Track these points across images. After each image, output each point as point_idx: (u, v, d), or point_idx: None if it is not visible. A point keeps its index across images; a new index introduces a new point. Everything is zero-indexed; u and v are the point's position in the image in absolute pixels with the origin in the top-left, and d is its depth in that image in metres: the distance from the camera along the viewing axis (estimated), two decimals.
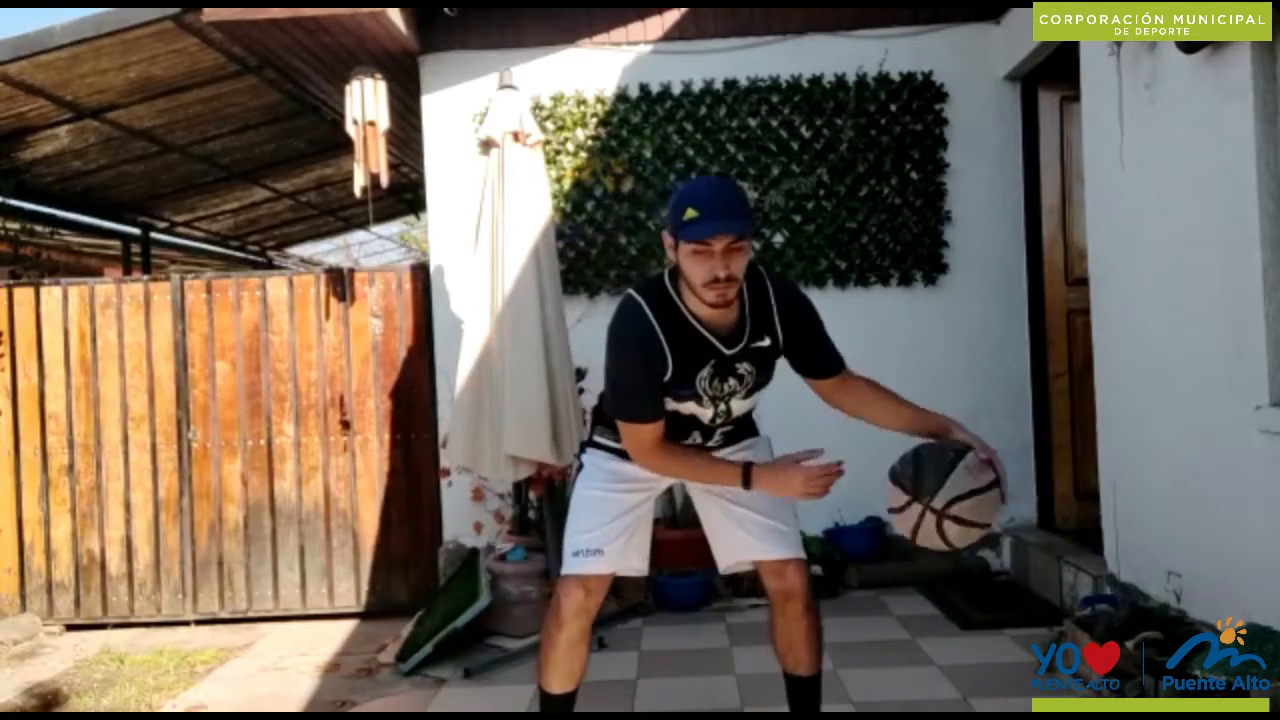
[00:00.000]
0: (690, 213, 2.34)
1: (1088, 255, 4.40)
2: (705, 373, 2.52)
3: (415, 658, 4.23)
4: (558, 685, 2.76)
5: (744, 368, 2.56)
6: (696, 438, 2.68)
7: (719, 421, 2.65)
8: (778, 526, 2.70)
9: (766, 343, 2.56)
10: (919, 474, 2.32)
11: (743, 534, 2.72)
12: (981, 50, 5.36)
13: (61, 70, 5.29)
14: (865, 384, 2.71)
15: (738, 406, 2.65)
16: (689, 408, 2.59)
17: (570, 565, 2.70)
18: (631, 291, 2.55)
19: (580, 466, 2.81)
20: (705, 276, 2.36)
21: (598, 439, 2.77)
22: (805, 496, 2.48)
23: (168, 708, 4.02)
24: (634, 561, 2.77)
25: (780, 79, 5.37)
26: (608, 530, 2.69)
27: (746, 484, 2.52)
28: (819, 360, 2.66)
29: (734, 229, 2.35)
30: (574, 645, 2.73)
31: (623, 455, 2.67)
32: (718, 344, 2.51)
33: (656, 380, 2.49)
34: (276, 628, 5.24)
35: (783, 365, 2.67)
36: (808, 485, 2.45)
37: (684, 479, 2.74)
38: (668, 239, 2.46)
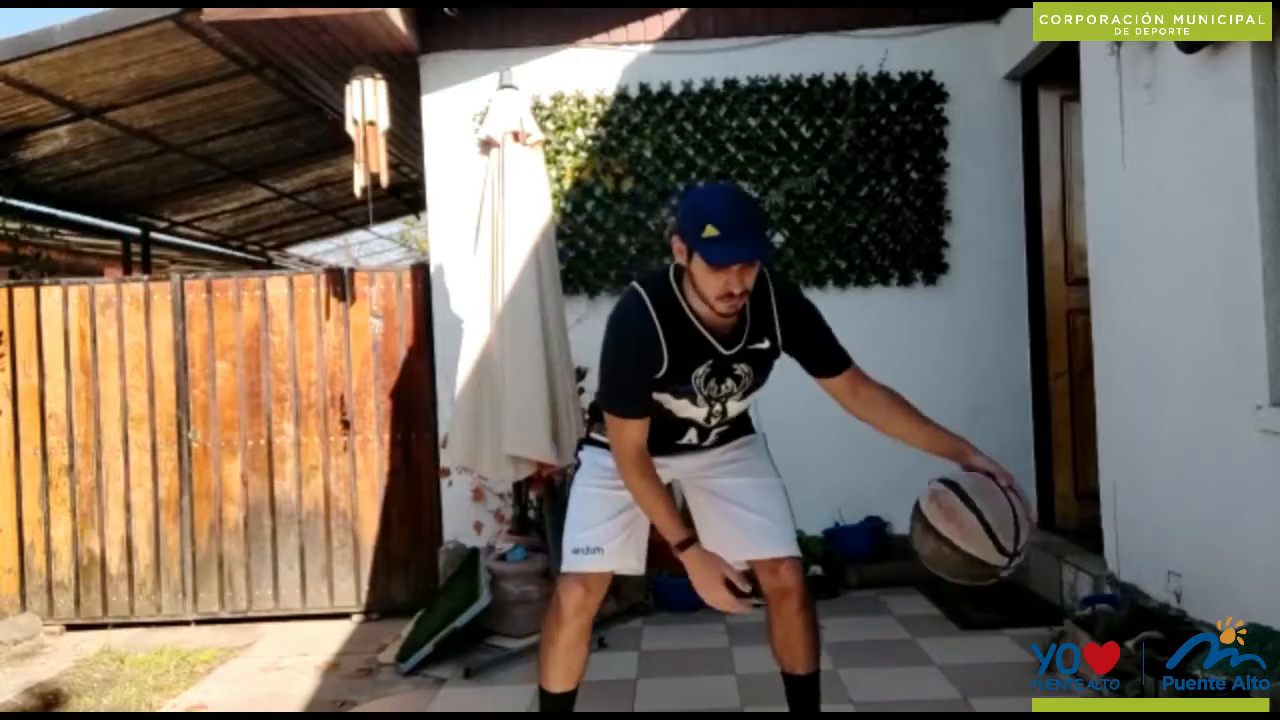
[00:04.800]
0: (711, 230, 2.32)
1: (1088, 255, 4.40)
2: (701, 371, 2.52)
3: (415, 658, 4.23)
4: (558, 684, 2.76)
5: (741, 369, 2.56)
6: (693, 437, 2.69)
7: (714, 422, 2.66)
8: (771, 525, 2.70)
9: (765, 345, 2.56)
10: (1010, 532, 2.38)
11: (737, 532, 2.71)
12: (981, 50, 5.35)
13: (61, 70, 5.29)
14: (881, 393, 2.67)
15: (733, 408, 2.65)
16: (684, 408, 2.59)
17: (570, 563, 2.70)
18: (636, 284, 2.55)
19: (578, 464, 2.80)
20: (719, 290, 2.37)
21: (595, 436, 2.76)
22: (707, 599, 2.46)
23: (168, 707, 4.02)
24: (631, 561, 2.76)
25: (780, 79, 5.37)
26: (607, 527, 2.68)
27: (680, 549, 2.48)
28: (822, 358, 2.63)
29: (755, 254, 2.35)
30: (574, 644, 2.72)
31: None
32: (716, 344, 2.50)
33: (649, 375, 2.49)
34: (276, 627, 5.24)
35: (789, 366, 2.67)
36: (713, 595, 2.43)
37: (636, 497, 2.59)
38: (679, 244, 2.43)
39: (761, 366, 2.59)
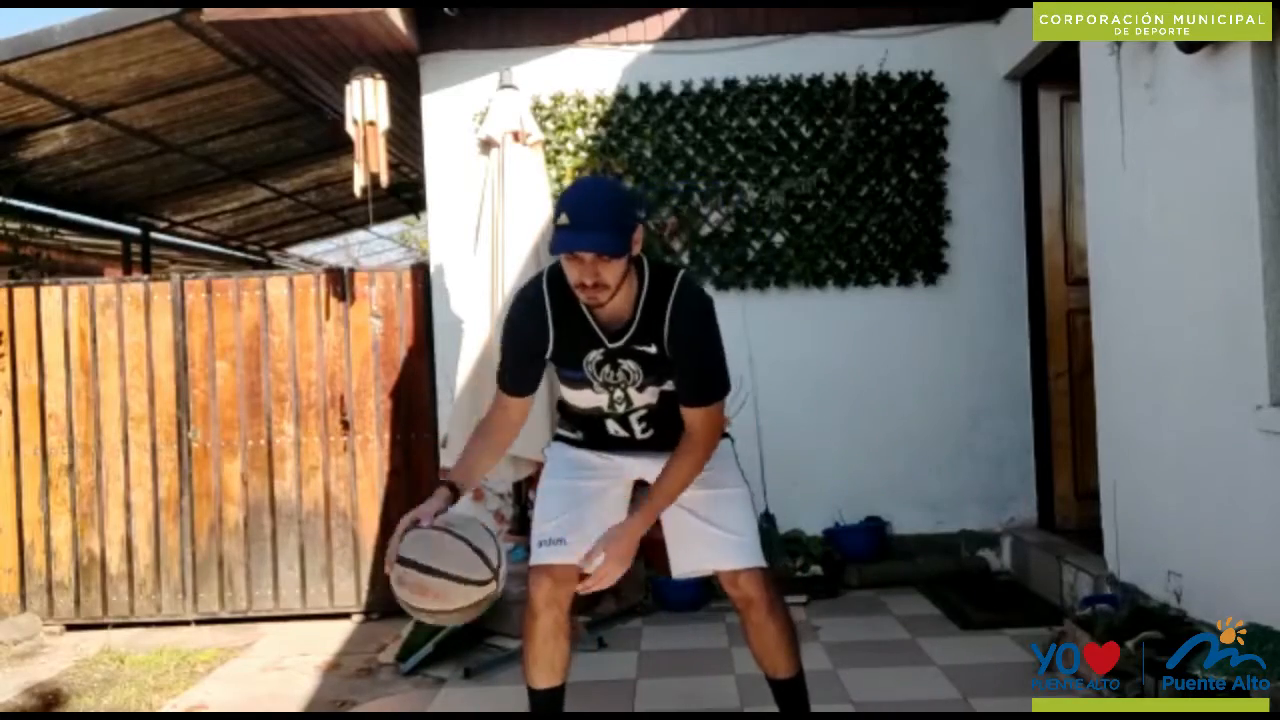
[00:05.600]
0: (562, 218, 2.36)
1: (1088, 255, 4.40)
2: (594, 357, 2.56)
3: (415, 657, 4.23)
4: (541, 680, 2.75)
5: (628, 365, 2.56)
6: (616, 428, 2.71)
7: (621, 409, 2.65)
8: (728, 536, 2.69)
9: (652, 349, 2.53)
10: (483, 556, 2.34)
11: (694, 543, 2.72)
12: (981, 50, 5.36)
13: (61, 70, 5.29)
14: (683, 443, 2.57)
15: (637, 397, 2.62)
16: (586, 396, 2.64)
17: (536, 555, 2.71)
18: (544, 269, 2.61)
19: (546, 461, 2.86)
20: (574, 279, 2.41)
21: (560, 431, 2.86)
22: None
23: (168, 707, 4.02)
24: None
25: (780, 79, 5.37)
26: (569, 518, 2.68)
27: (448, 491, 2.48)
28: (682, 382, 2.54)
29: (592, 247, 2.33)
30: (550, 637, 2.72)
31: (579, 444, 2.76)
32: (602, 335, 2.53)
33: (533, 350, 2.57)
34: (276, 627, 5.24)
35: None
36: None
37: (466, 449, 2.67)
38: None
39: (651, 368, 2.56)
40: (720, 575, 2.72)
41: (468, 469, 2.61)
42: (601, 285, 2.38)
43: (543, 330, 2.54)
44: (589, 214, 2.36)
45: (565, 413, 2.84)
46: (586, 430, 2.76)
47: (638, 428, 2.70)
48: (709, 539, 2.69)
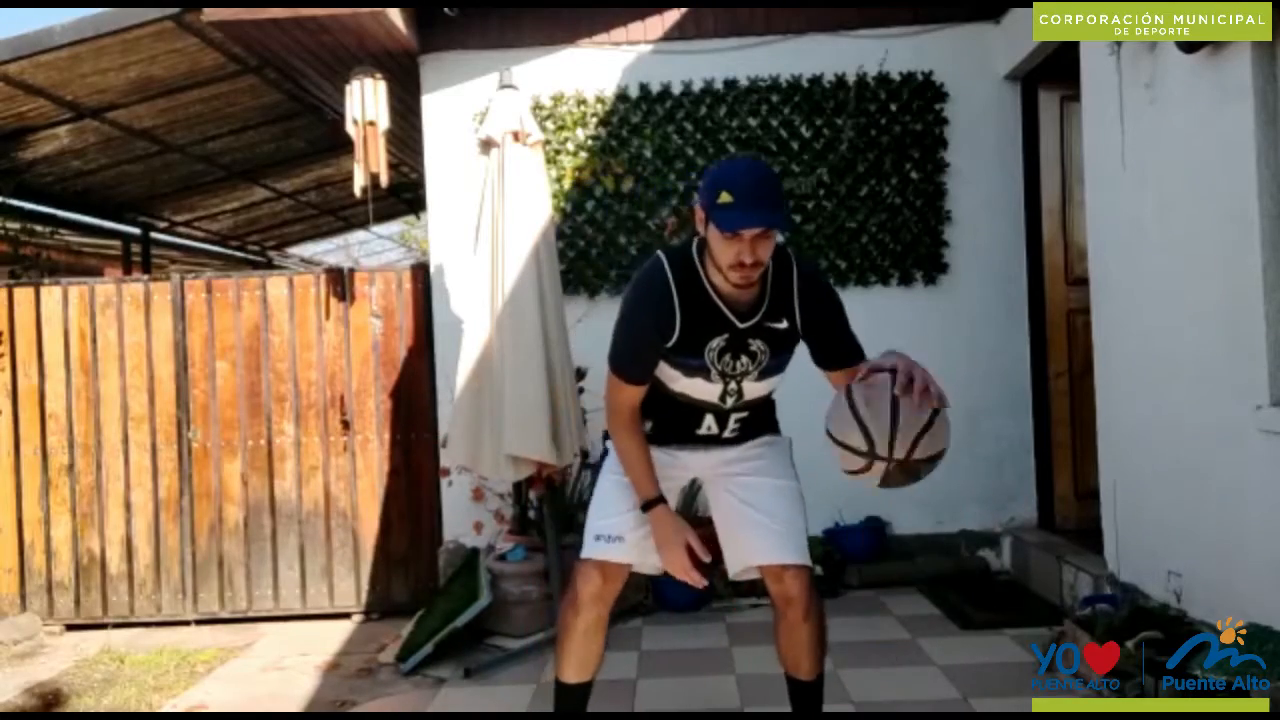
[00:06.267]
0: (725, 197, 2.34)
1: (1088, 255, 4.40)
2: (716, 344, 2.51)
3: (415, 657, 4.23)
4: (572, 674, 2.74)
5: (757, 345, 2.53)
6: (711, 425, 2.66)
7: (730, 403, 2.62)
8: (777, 528, 2.64)
9: (783, 325, 2.54)
10: (867, 433, 2.19)
11: (743, 533, 2.69)
12: (981, 50, 5.36)
13: (61, 70, 5.29)
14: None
15: (750, 389, 2.61)
16: (698, 386, 2.57)
17: (590, 549, 2.66)
18: (660, 252, 2.57)
19: (605, 453, 2.78)
20: (731, 259, 2.37)
21: None
22: (664, 559, 2.56)
23: (168, 707, 4.02)
24: (651, 557, 2.68)
25: (780, 79, 5.37)
26: (631, 517, 2.64)
27: (645, 508, 2.57)
28: (833, 348, 2.60)
29: (766, 223, 2.34)
30: (590, 633, 2.70)
31: (649, 439, 2.66)
32: (732, 317, 2.50)
33: (660, 342, 2.50)
34: (276, 627, 5.24)
35: (793, 364, 2.67)
36: (671, 555, 2.53)
37: (620, 454, 2.64)
38: (699, 212, 2.46)
39: (779, 347, 2.56)
40: (764, 571, 2.66)
41: (651, 476, 2.58)
42: (759, 264, 2.38)
43: (669, 318, 2.48)
44: (758, 191, 2.34)
45: (650, 405, 2.70)
46: (673, 425, 2.68)
47: (733, 423, 2.67)
48: (760, 529, 2.64)
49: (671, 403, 2.65)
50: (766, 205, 2.34)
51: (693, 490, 3.99)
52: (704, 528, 2.74)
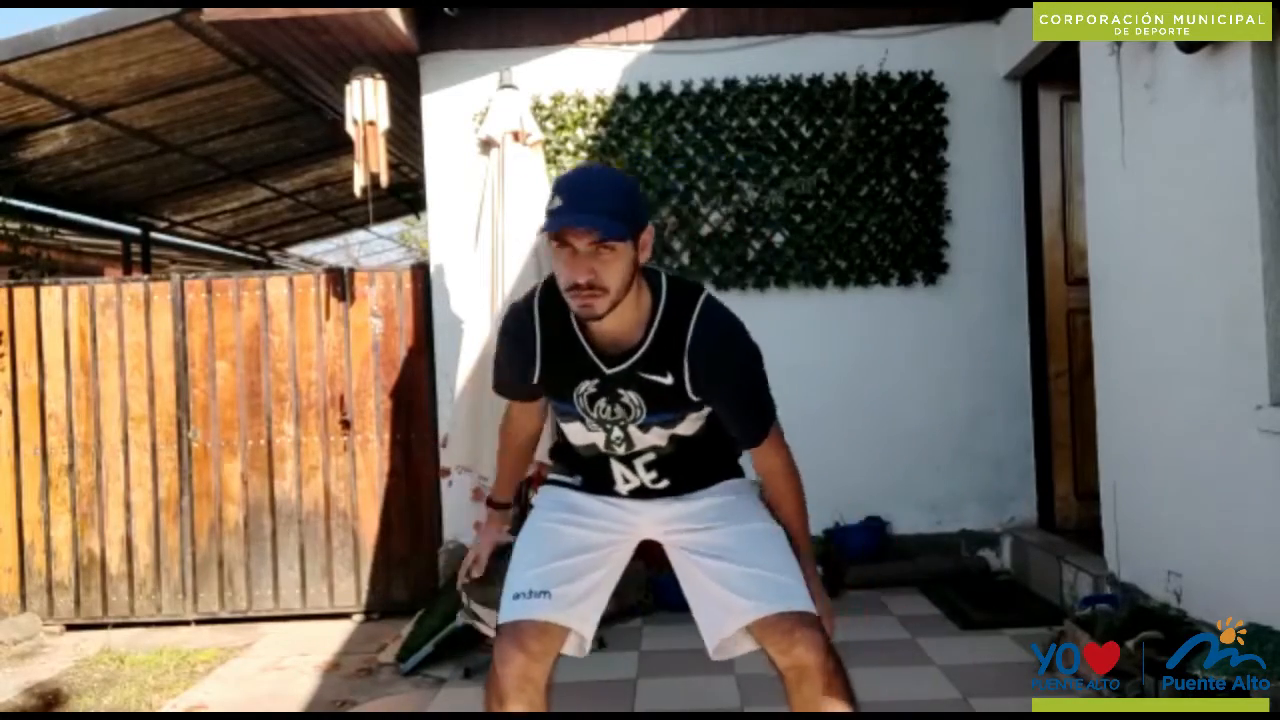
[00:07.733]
0: (555, 200, 1.95)
1: (1088, 255, 4.40)
2: (585, 388, 2.09)
3: (415, 657, 4.23)
4: None
5: (629, 397, 2.08)
6: (625, 473, 2.21)
7: (622, 451, 2.17)
8: (767, 575, 2.08)
9: (666, 379, 2.05)
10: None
11: (723, 590, 2.12)
12: (981, 50, 5.36)
13: (61, 70, 5.29)
14: (776, 477, 2.23)
15: (640, 437, 2.14)
16: (578, 431, 2.19)
17: (507, 612, 2.10)
18: (541, 281, 2.17)
19: (532, 507, 2.34)
20: (565, 281, 1.95)
21: (552, 476, 2.35)
22: (469, 555, 2.42)
23: (168, 707, 4.02)
24: (590, 616, 2.18)
25: (780, 79, 5.37)
26: (558, 568, 2.13)
27: (487, 504, 2.44)
28: (732, 425, 2.16)
29: (590, 224, 1.88)
30: None
31: (581, 489, 2.27)
32: (597, 360, 2.07)
33: (520, 377, 2.18)
34: (276, 627, 5.24)
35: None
36: (471, 554, 2.40)
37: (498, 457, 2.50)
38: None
39: (658, 405, 2.08)
40: (764, 637, 2.08)
41: (505, 484, 2.47)
42: (598, 288, 1.91)
43: (530, 354, 2.11)
44: (590, 193, 1.93)
45: (561, 449, 2.34)
46: (587, 473, 2.26)
47: (645, 476, 2.20)
48: (744, 579, 2.09)
49: (575, 447, 2.26)
50: (592, 208, 1.90)
51: None
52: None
